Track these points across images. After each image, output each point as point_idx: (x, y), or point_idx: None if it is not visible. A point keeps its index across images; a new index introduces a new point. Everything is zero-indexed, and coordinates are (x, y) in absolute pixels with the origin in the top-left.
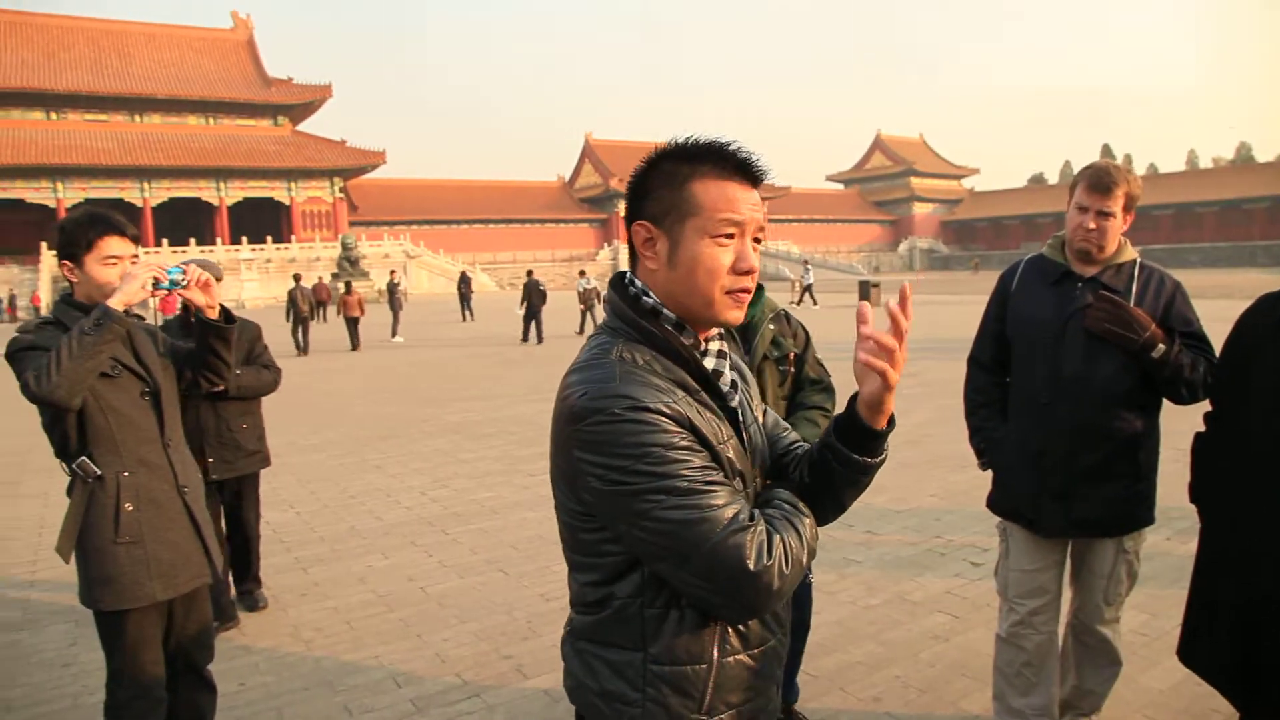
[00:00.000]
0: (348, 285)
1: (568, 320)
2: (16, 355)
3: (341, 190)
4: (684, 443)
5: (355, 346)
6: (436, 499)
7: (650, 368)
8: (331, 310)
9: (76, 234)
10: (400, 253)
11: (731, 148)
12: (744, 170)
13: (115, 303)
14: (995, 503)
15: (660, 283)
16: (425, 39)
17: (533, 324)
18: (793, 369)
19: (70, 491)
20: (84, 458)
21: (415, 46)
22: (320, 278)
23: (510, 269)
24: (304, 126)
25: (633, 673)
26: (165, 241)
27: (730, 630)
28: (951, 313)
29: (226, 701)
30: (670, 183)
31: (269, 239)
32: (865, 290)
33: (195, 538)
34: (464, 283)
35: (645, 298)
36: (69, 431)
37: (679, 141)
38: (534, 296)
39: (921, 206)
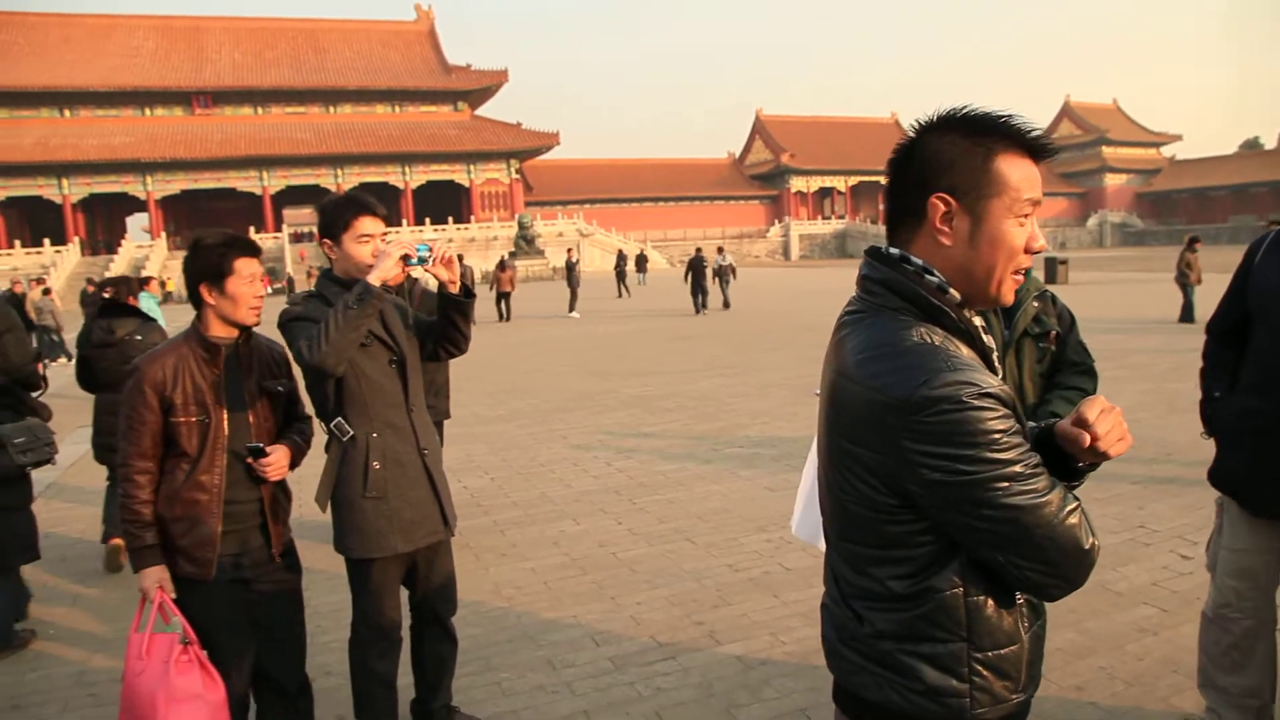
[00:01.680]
0: (501, 263)
1: (716, 295)
2: (288, 325)
3: (518, 171)
4: (1015, 426)
5: (505, 318)
6: (622, 469)
7: (951, 348)
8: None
9: (335, 214)
10: (574, 231)
11: (1028, 125)
12: (1040, 148)
13: (373, 279)
14: (1214, 475)
15: (953, 259)
16: (599, 18)
17: (699, 297)
18: (1053, 348)
19: (328, 448)
20: (339, 419)
21: (590, 27)
22: (501, 256)
23: (680, 246)
24: (482, 111)
25: (958, 664)
26: None
27: (1027, 607)
28: (1151, 293)
29: None
30: (970, 157)
31: (450, 220)
32: (1052, 268)
33: (433, 496)
34: (621, 261)
35: (929, 275)
36: (328, 394)
37: (967, 112)
38: (698, 272)
39: (1114, 178)
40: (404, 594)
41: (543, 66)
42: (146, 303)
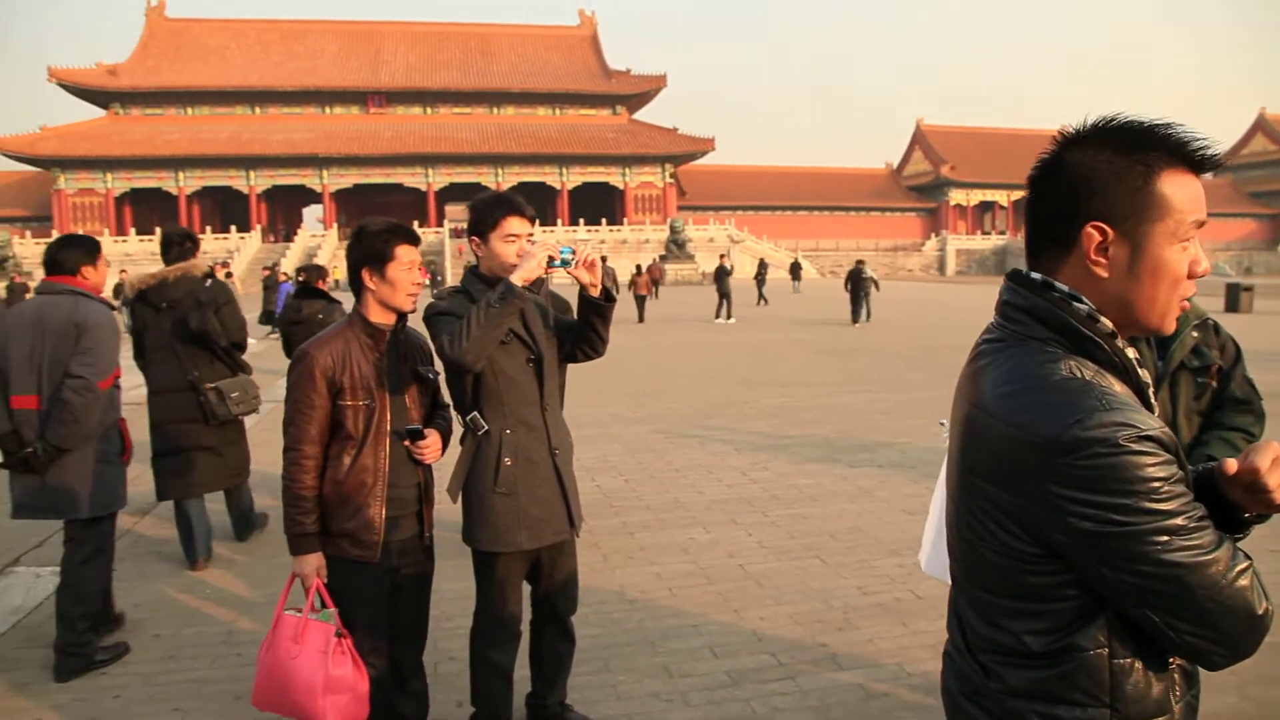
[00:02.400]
0: (639, 267)
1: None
2: (433, 319)
3: (672, 176)
4: (1178, 473)
5: (640, 319)
6: (756, 480)
7: (1104, 384)
8: (660, 286)
9: (484, 213)
10: (725, 237)
11: (1192, 135)
12: (1204, 161)
13: (516, 279)
14: None
15: (1108, 290)
16: (761, 19)
17: (858, 307)
18: (1214, 383)
19: (462, 441)
20: (475, 413)
21: (751, 29)
22: (654, 259)
23: (832, 256)
24: (639, 115)
25: None
26: None
27: (1180, 673)
28: None
29: None
30: (1127, 178)
31: (603, 221)
32: (1234, 295)
33: (561, 496)
34: (762, 269)
35: (1077, 302)
36: (466, 389)
37: (1121, 122)
38: (857, 283)
39: None
40: (526, 589)
41: (702, 71)
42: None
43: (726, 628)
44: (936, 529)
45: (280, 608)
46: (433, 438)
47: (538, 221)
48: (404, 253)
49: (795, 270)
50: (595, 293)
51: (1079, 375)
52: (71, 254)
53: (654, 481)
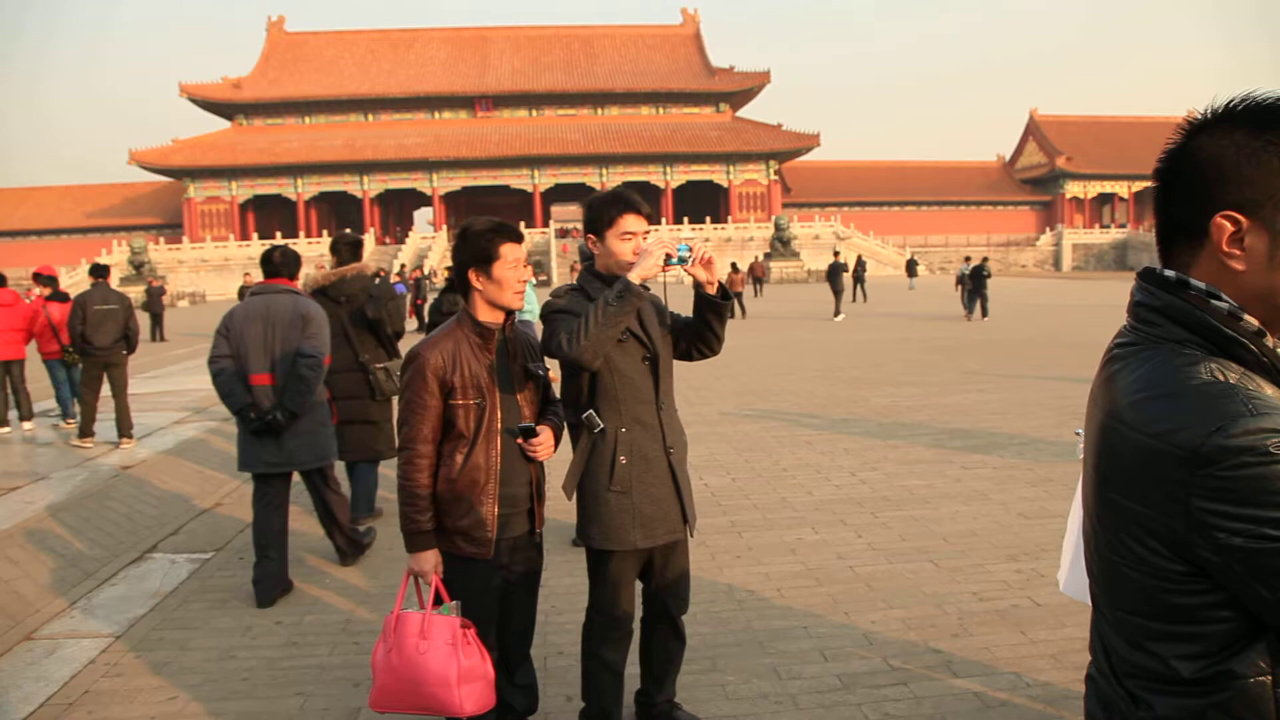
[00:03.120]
0: (734, 265)
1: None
2: (550, 317)
3: (776, 173)
4: None
5: (740, 315)
6: (865, 481)
7: (1251, 387)
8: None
9: (601, 211)
10: (830, 234)
11: None
12: None
13: (634, 277)
14: None
15: (1249, 285)
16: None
17: (976, 302)
18: None
19: (576, 439)
20: (591, 411)
21: (855, 20)
22: (757, 257)
23: (941, 252)
24: (743, 112)
25: None
26: None
27: None
28: None
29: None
30: (1262, 161)
31: (707, 219)
32: None
33: (675, 495)
34: (860, 266)
35: (1216, 300)
36: (582, 386)
37: (1251, 103)
38: (978, 279)
39: None
40: (638, 587)
41: (806, 65)
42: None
43: (837, 630)
44: (1075, 547)
45: (398, 608)
46: (545, 435)
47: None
48: (509, 251)
49: (911, 267)
50: (712, 290)
51: (1222, 379)
52: (288, 263)
53: (761, 481)
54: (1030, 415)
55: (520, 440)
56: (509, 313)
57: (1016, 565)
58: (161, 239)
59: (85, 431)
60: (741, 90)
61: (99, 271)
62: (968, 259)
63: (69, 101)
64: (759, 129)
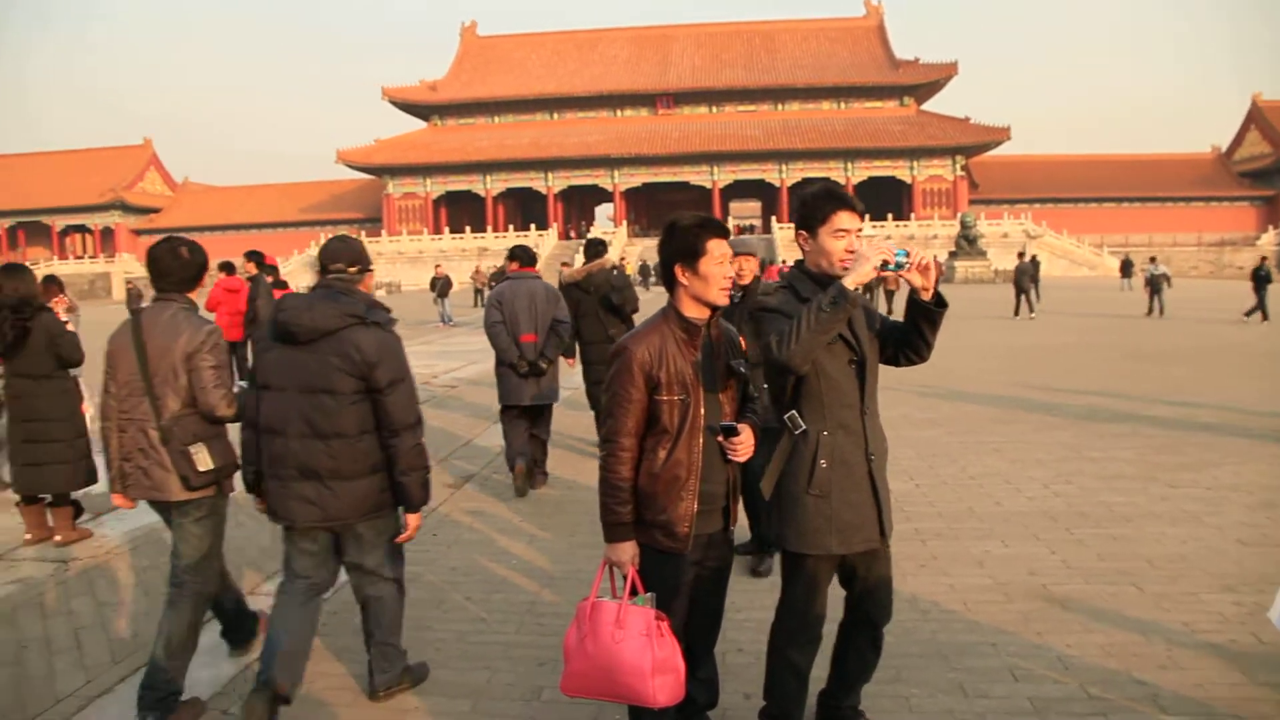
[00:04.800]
0: (884, 263)
1: (1195, 307)
2: (760, 316)
3: (963, 168)
4: None
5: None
6: (1060, 494)
7: None
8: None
9: (814, 207)
10: (1020, 232)
11: None
12: None
13: (849, 282)
14: None
15: None
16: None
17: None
18: None
19: (777, 440)
20: (794, 412)
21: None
22: (935, 256)
23: (1144, 252)
24: (928, 105)
25: None
26: (797, 218)
27: None
28: None
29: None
30: None
31: (889, 216)
32: None
33: (874, 503)
34: (1034, 266)
35: None
36: (785, 387)
37: None
38: (1154, 282)
39: None
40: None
41: (996, 55)
42: None
43: (1028, 650)
44: None
45: (593, 596)
46: (746, 434)
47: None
48: (715, 246)
49: (1127, 268)
50: (927, 296)
51: None
52: (532, 258)
53: (946, 488)
54: (1247, 432)
55: (720, 438)
56: (714, 309)
57: (1235, 597)
58: (363, 232)
59: None
60: (926, 83)
61: (259, 259)
62: (1152, 259)
63: (288, 102)
64: (944, 122)
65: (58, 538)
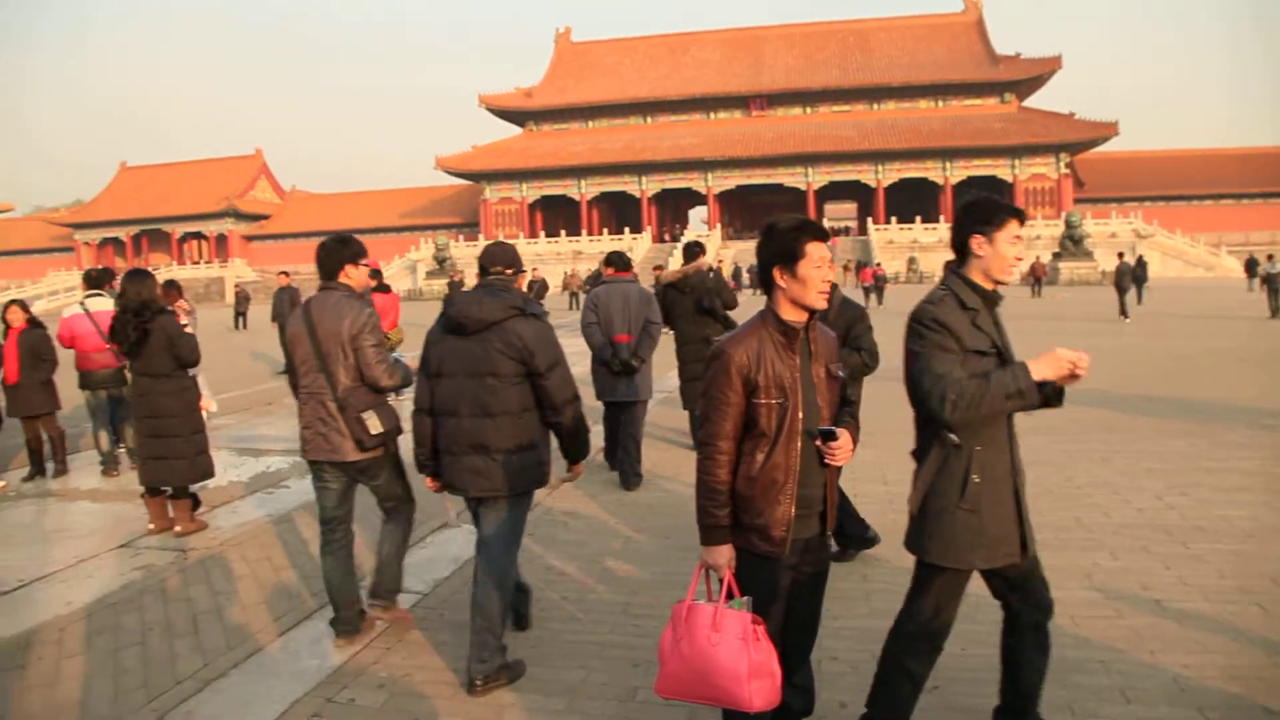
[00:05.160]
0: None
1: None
2: (920, 332)
3: (1067, 166)
4: None
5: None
6: (1174, 506)
7: None
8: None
9: (991, 212)
10: (1129, 232)
11: None
12: None
13: (1038, 374)
14: None
15: None
16: None
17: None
18: None
19: (926, 452)
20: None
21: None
22: (1038, 257)
23: (1268, 252)
24: (1030, 101)
25: None
26: (894, 219)
27: None
28: None
29: (951, 662)
30: None
31: None
32: None
33: (1017, 518)
34: (1139, 267)
35: None
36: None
37: None
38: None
39: None
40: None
41: (1102, 48)
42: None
43: (1141, 670)
44: None
45: (689, 599)
46: (844, 439)
47: (919, 219)
48: (814, 249)
49: (1251, 268)
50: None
51: None
52: (624, 260)
53: (1051, 497)
54: None
55: (819, 443)
56: (812, 312)
57: None
58: (460, 236)
59: None
60: (1029, 78)
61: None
62: (1270, 257)
63: (389, 111)
64: (1048, 119)
65: (177, 529)
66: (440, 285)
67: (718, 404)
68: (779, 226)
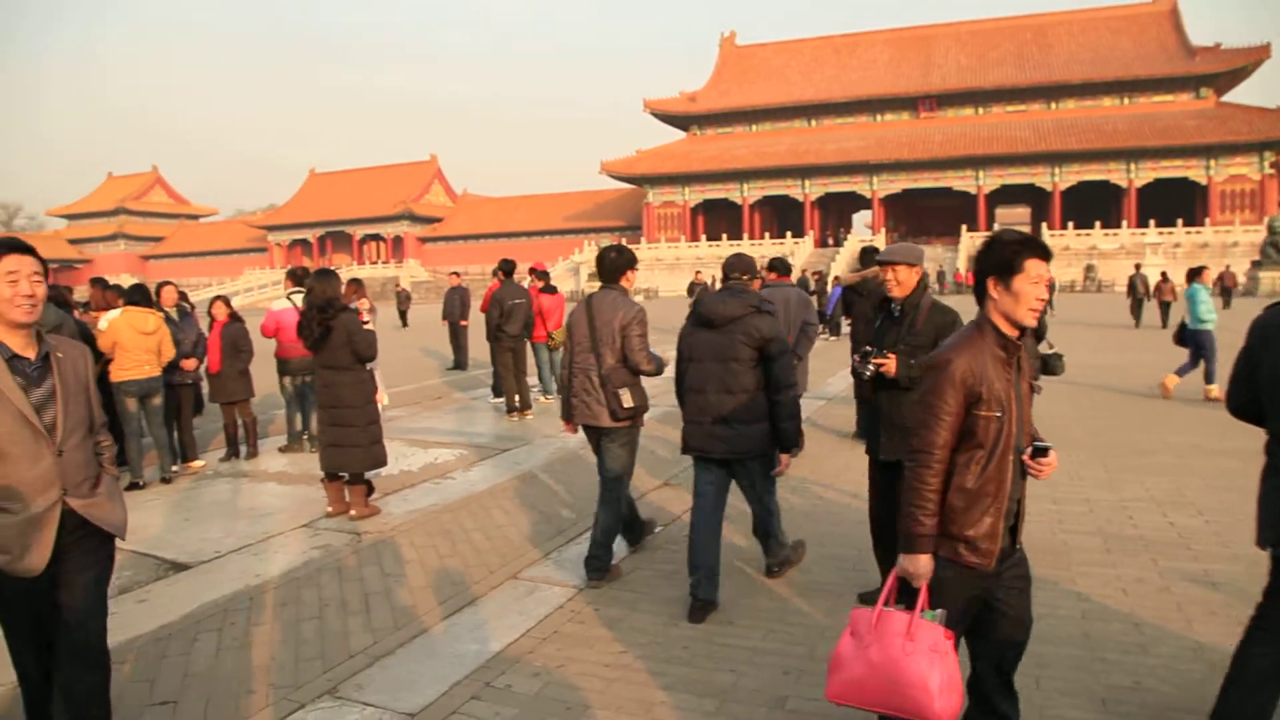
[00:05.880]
0: (1164, 274)
1: None
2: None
3: (1273, 165)
4: None
5: (1137, 325)
6: None
7: None
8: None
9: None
10: None
11: None
12: None
13: None
14: None
15: None
16: None
17: None
18: None
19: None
20: None
21: None
22: (1226, 265)
23: None
24: (1229, 96)
25: None
26: (1071, 225)
27: None
28: None
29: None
30: None
31: (1179, 222)
32: None
33: None
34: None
35: None
36: None
37: None
38: None
39: None
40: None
41: None
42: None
43: None
44: None
45: (879, 606)
46: (1054, 456)
47: (1099, 224)
48: (1033, 266)
49: None
50: None
51: None
52: (786, 266)
53: (1242, 525)
54: None
55: (1025, 457)
56: (1021, 328)
57: None
58: (623, 239)
59: (510, 406)
60: (1229, 71)
61: (507, 268)
62: None
63: (555, 113)
64: (1250, 114)
65: (353, 512)
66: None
67: (937, 413)
68: (1001, 239)
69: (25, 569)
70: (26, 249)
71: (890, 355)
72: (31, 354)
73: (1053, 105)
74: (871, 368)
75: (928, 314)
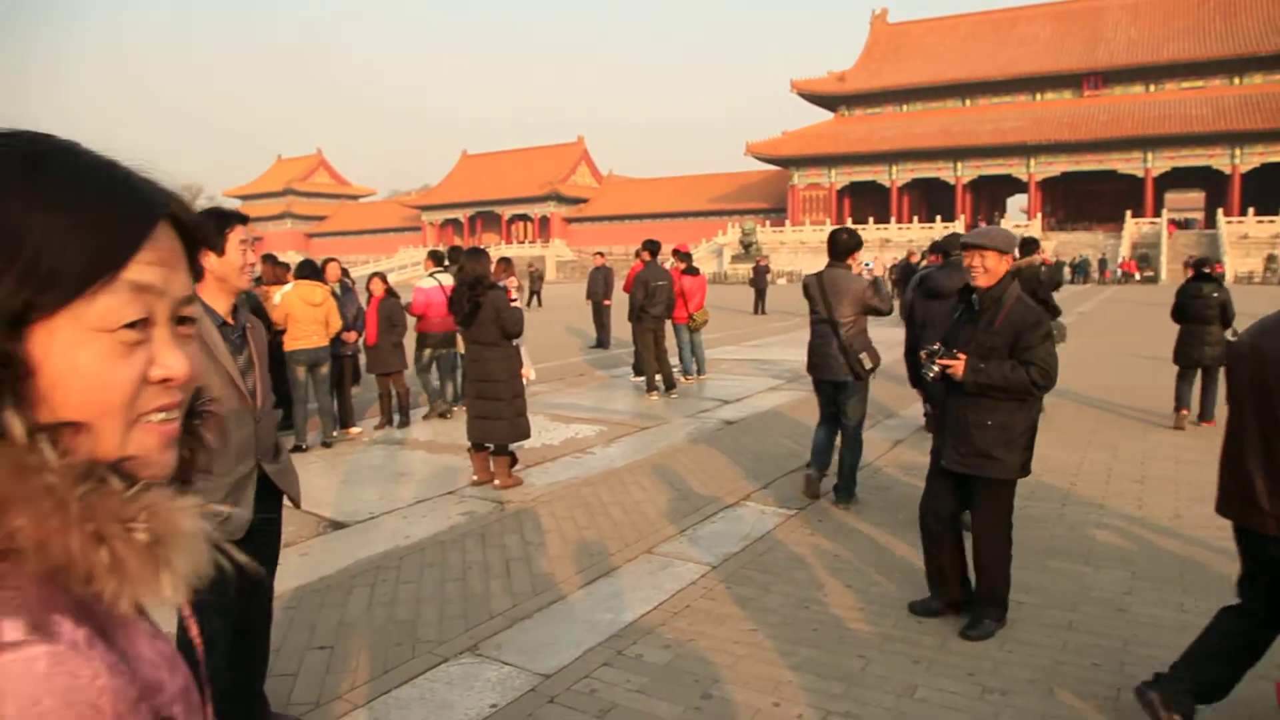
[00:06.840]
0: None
1: None
2: None
3: None
4: None
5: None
6: None
7: None
8: None
9: None
10: None
11: None
12: None
13: None
14: None
15: None
16: None
17: None
18: None
19: None
20: None
21: None
22: None
23: None
24: None
25: None
26: (1251, 211)
27: None
28: None
29: None
30: None
31: None
32: None
33: None
34: None
35: None
36: None
37: None
38: None
39: None
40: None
41: None
42: None
43: None
44: None
45: None
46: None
47: None
48: None
49: None
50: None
51: None
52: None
53: None
54: None
55: None
56: None
57: None
58: (767, 222)
59: (650, 386)
60: None
61: (652, 249)
62: None
63: (701, 95)
64: None
65: (496, 482)
66: (745, 270)
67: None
68: None
69: (233, 530)
70: (246, 219)
71: (961, 355)
72: (233, 323)
73: (1236, 80)
74: (936, 368)
75: (1009, 311)
